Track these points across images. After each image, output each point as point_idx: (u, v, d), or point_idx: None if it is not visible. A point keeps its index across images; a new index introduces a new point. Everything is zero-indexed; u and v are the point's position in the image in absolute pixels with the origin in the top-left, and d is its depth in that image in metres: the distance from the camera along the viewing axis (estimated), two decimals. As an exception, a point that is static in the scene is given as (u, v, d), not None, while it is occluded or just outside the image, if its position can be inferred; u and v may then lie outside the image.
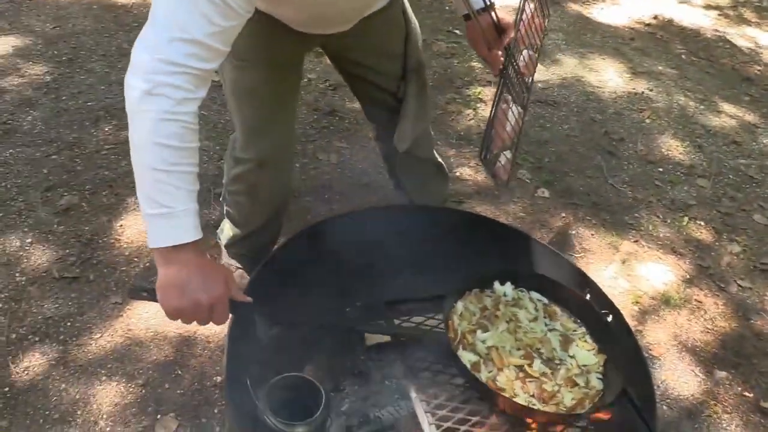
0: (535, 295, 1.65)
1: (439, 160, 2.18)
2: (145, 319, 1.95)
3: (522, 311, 1.58)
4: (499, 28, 1.61)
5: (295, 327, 1.93)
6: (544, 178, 2.78)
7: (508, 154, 1.72)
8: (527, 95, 1.77)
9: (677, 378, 2.08)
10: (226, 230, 2.05)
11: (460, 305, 1.55)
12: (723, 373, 2.13)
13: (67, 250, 2.13)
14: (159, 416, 1.71)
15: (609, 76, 3.63)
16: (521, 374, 1.41)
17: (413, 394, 1.41)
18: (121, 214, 2.27)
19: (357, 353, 1.89)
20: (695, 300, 2.37)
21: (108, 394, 1.75)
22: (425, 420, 1.38)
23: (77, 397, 1.73)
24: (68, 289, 2.00)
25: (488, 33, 1.62)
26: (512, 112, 1.66)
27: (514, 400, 1.33)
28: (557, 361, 1.45)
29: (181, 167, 1.14)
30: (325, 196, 2.47)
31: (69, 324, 1.91)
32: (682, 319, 2.29)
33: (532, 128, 3.05)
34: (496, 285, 1.65)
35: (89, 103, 2.75)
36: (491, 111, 1.57)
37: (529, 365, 1.42)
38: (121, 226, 2.23)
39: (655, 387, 1.83)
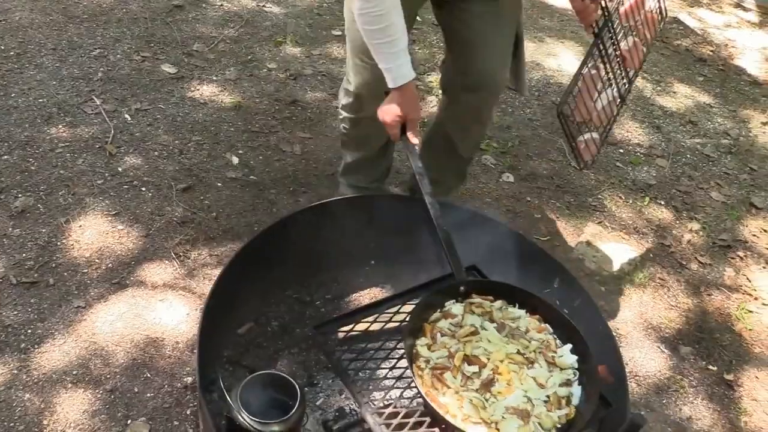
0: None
1: (472, 156, 2.34)
2: (110, 322, 1.89)
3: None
4: None
5: (266, 322, 1.91)
6: (508, 163, 2.80)
7: (594, 135, 1.74)
8: (628, 87, 1.77)
9: (644, 355, 2.13)
10: (344, 160, 2.27)
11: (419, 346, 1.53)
12: (687, 349, 2.18)
13: (24, 254, 2.05)
14: (129, 422, 1.67)
15: (568, 60, 3.66)
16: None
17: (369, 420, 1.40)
18: (80, 214, 2.20)
19: (330, 346, 1.87)
20: (658, 278, 2.43)
21: (75, 402, 1.70)
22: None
23: (42, 406, 1.67)
24: (27, 295, 1.93)
25: None
26: (606, 94, 1.69)
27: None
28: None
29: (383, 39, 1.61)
30: (291, 189, 2.44)
31: (29, 331, 1.84)
32: (647, 298, 2.34)
33: (494, 113, 3.06)
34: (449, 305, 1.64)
35: (40, 100, 2.65)
36: (578, 69, 1.61)
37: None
38: (80, 226, 2.17)
39: (624, 365, 1.86)
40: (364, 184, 2.27)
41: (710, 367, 2.15)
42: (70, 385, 1.73)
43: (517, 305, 1.64)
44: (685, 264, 2.52)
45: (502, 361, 1.48)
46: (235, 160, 2.52)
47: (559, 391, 1.44)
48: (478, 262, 1.83)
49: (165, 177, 2.39)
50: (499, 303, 1.63)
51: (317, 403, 1.72)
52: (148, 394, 1.74)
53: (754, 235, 2.75)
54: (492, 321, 1.58)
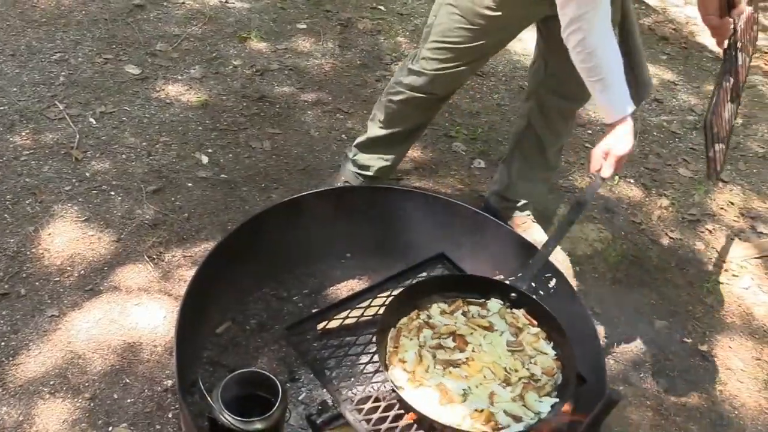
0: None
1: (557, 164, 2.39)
2: (85, 330, 1.87)
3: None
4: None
5: (244, 321, 1.90)
6: (478, 149, 2.81)
7: (722, 145, 1.80)
8: (738, 99, 1.86)
9: (620, 332, 2.17)
10: (363, 135, 2.26)
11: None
12: (662, 323, 2.23)
13: (-7, 265, 2.01)
14: (111, 429, 1.65)
15: (534, 44, 3.68)
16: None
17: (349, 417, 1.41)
18: (48, 222, 2.17)
19: (309, 341, 1.87)
20: (631, 255, 2.47)
21: (54, 413, 1.67)
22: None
23: (21, 419, 1.65)
24: (-2, 307, 1.90)
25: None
26: (729, 106, 1.78)
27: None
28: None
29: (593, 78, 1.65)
30: (262, 185, 2.42)
31: (3, 344, 1.81)
32: (620, 275, 2.38)
33: (463, 100, 3.07)
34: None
35: (1, 108, 2.59)
36: (716, 82, 1.72)
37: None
38: (50, 234, 2.13)
39: (601, 342, 1.90)
40: (374, 171, 2.25)
41: (685, 339, 2.19)
42: (48, 395, 1.71)
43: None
44: (657, 240, 2.57)
45: (482, 365, 1.48)
46: (205, 159, 2.49)
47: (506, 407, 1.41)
48: (452, 249, 1.84)
49: (134, 180, 2.36)
50: (536, 330, 1.59)
51: (300, 398, 1.73)
52: (129, 400, 1.73)
53: (722, 208, 2.81)
54: (514, 335, 1.56)
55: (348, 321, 1.67)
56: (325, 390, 1.74)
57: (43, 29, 3.03)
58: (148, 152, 2.48)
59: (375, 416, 1.41)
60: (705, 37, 4.22)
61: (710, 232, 2.67)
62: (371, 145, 2.25)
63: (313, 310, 1.81)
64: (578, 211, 1.78)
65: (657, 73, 3.67)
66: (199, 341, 1.78)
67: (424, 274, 1.76)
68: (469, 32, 1.87)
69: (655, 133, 3.18)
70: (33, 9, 3.17)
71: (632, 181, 2.84)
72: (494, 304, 1.63)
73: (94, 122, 2.57)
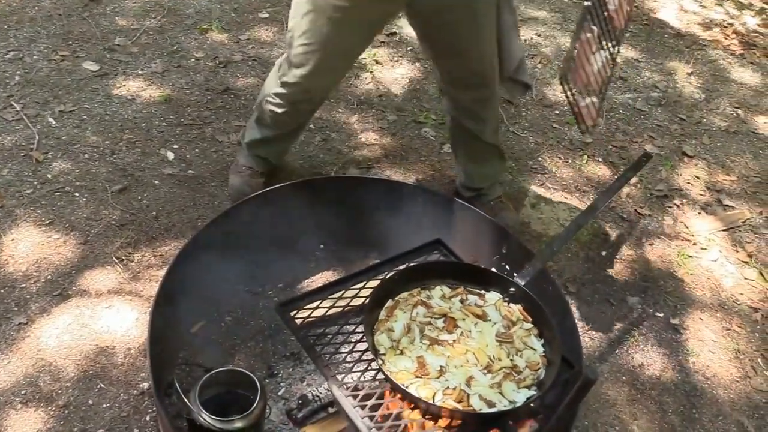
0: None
1: (499, 141, 2.35)
2: (56, 336, 1.83)
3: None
4: None
5: (218, 318, 1.88)
6: (447, 135, 2.80)
7: (594, 99, 1.73)
8: (617, 47, 1.75)
9: (594, 309, 2.19)
10: (250, 133, 2.25)
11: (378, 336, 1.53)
12: (635, 299, 2.26)
13: (-45, 274, 1.95)
14: (87, 435, 1.63)
15: (498, 26, 3.68)
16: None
17: (337, 392, 1.40)
18: (11, 227, 2.11)
19: (285, 335, 1.86)
20: (602, 233, 2.50)
21: (27, 423, 1.63)
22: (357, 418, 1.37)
23: (-8, 430, 1.61)
24: (-37, 317, 1.84)
25: None
26: (599, 56, 1.67)
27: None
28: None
29: None
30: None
31: (-31, 354, 1.76)
32: (593, 253, 2.41)
33: (430, 85, 3.06)
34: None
35: (-46, 110, 2.50)
36: (575, 33, 1.62)
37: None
38: (13, 240, 2.07)
39: (576, 321, 1.92)
40: (270, 156, 2.28)
41: (657, 314, 2.23)
42: (19, 405, 1.67)
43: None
44: (626, 217, 2.60)
45: (467, 350, 1.48)
46: (171, 155, 2.44)
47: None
48: (427, 237, 1.83)
49: (98, 180, 2.30)
50: (529, 326, 1.57)
51: (279, 393, 1.71)
52: (104, 405, 1.69)
53: (689, 183, 2.86)
54: (506, 327, 1.55)
55: (342, 302, 1.63)
56: (305, 383, 1.74)
57: (-6, 30, 2.93)
58: (111, 151, 2.42)
59: (361, 393, 1.40)
60: (665, 13, 4.27)
61: (678, 206, 2.72)
62: (257, 145, 2.25)
63: (309, 289, 1.77)
64: (589, 215, 1.79)
65: (621, 51, 3.70)
66: (174, 342, 1.75)
67: (421, 258, 1.74)
68: (330, 28, 1.81)
69: (621, 111, 3.21)
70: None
71: (600, 159, 2.87)
72: (493, 295, 1.63)
73: (54, 122, 2.50)
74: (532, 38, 3.61)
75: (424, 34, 2.01)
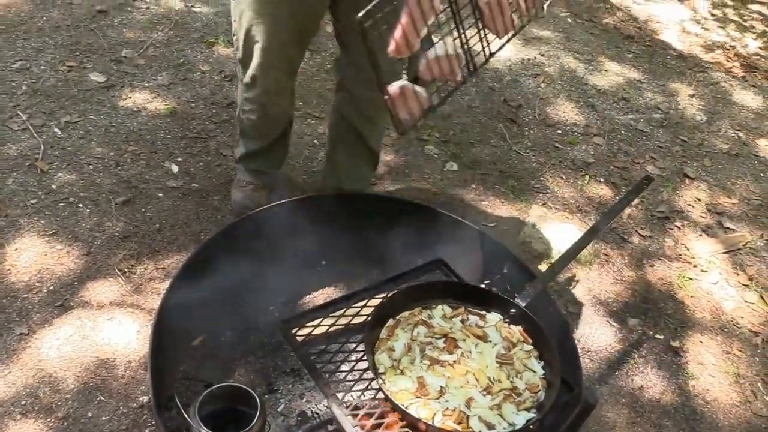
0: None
1: (379, 150, 2.34)
2: (57, 347, 1.83)
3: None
4: None
5: (219, 333, 1.88)
6: (451, 152, 2.82)
7: (418, 88, 1.32)
8: (487, 57, 1.39)
9: (594, 331, 2.19)
10: (240, 148, 2.27)
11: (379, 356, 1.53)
12: (635, 320, 2.26)
13: (-42, 283, 1.96)
14: (85, 447, 1.62)
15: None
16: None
17: (337, 410, 1.40)
18: (14, 237, 2.11)
19: (286, 351, 1.86)
20: (603, 254, 2.50)
21: (25, 433, 1.63)
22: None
23: (-10, 441, 1.61)
24: (-36, 326, 1.84)
25: None
26: (446, 45, 1.29)
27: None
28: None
29: None
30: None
31: (-30, 363, 1.76)
32: (593, 274, 2.41)
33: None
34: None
35: (-39, 119, 2.52)
36: None
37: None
38: (16, 250, 2.07)
39: (576, 342, 1.92)
40: (265, 168, 2.28)
41: (657, 336, 2.23)
42: (19, 416, 1.67)
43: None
44: (627, 238, 2.61)
45: (467, 370, 1.48)
46: (175, 168, 2.45)
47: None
48: (428, 256, 1.84)
49: (102, 191, 2.31)
50: (529, 347, 1.57)
51: (279, 410, 1.71)
52: (103, 418, 1.69)
53: (690, 205, 2.87)
54: (506, 349, 1.56)
55: (344, 320, 1.64)
56: (305, 399, 1.74)
57: (3, 37, 2.95)
58: (116, 162, 2.43)
59: (362, 412, 1.40)
60: (668, 35, 4.31)
61: (679, 228, 2.73)
62: (253, 158, 2.25)
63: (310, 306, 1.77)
64: (590, 237, 1.78)
65: (623, 72, 3.73)
66: (175, 355, 1.75)
67: (423, 278, 1.75)
68: (269, 18, 1.83)
69: (623, 132, 3.23)
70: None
71: (602, 180, 2.88)
72: (493, 316, 1.64)
73: (59, 132, 2.52)
74: (535, 58, 3.64)
75: (340, 17, 2.00)
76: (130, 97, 2.74)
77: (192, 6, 3.39)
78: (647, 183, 1.94)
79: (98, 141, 2.51)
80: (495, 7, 1.32)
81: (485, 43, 1.36)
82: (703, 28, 4.55)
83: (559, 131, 3.12)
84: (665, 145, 3.21)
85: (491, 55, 1.39)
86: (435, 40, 1.30)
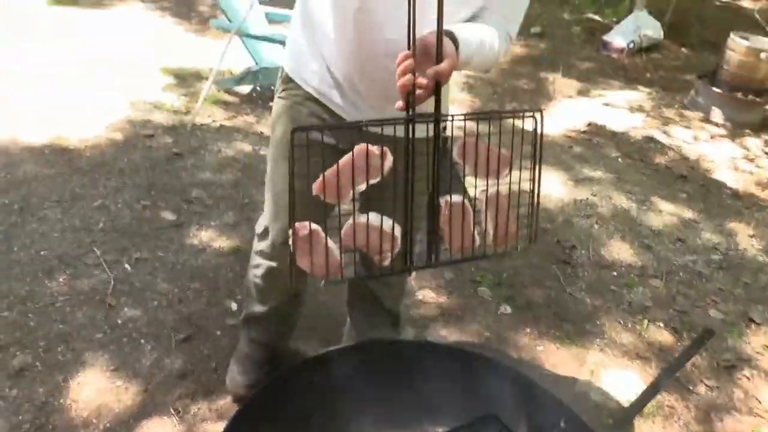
0: None
1: (400, 310, 2.24)
2: (107, 489, 1.83)
3: None
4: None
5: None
6: (504, 294, 2.82)
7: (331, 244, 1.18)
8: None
9: (661, 493, 2.05)
10: (245, 310, 2.11)
11: None
12: (705, 483, 2.11)
13: (21, 417, 2.01)
14: None
15: (554, 186, 3.80)
16: None
17: None
18: (78, 371, 2.19)
19: None
20: (667, 406, 2.39)
21: None
22: None
23: None
24: (22, 462, 1.88)
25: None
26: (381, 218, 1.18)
27: None
28: None
29: None
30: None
31: (23, 504, 1.77)
32: (657, 428, 2.29)
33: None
34: None
35: (42, 253, 2.70)
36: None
37: None
38: (78, 384, 2.14)
39: None
40: (267, 340, 2.09)
41: (731, 502, 2.07)
42: None
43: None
44: (692, 388, 2.49)
45: None
46: (234, 306, 2.54)
47: None
48: (482, 408, 1.80)
49: (164, 327, 2.39)
50: None
51: None
52: None
53: (758, 353, 2.74)
54: None
55: None
56: None
57: (88, 177, 3.22)
58: (179, 299, 2.53)
59: None
60: (721, 173, 4.32)
61: (748, 378, 2.59)
62: (256, 323, 2.09)
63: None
64: (650, 395, 1.72)
65: (677, 212, 3.73)
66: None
67: None
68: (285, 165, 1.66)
69: (681, 274, 3.17)
70: (79, 157, 3.39)
71: (661, 324, 2.80)
72: None
73: (129, 268, 2.66)
74: (587, 198, 3.69)
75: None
76: (196, 235, 2.90)
77: (259, 149, 3.64)
78: (709, 336, 1.89)
79: (164, 277, 2.63)
80: (456, 215, 1.18)
81: (433, 246, 1.18)
82: (756, 165, 4.55)
83: (615, 273, 3.09)
84: (727, 287, 3.13)
85: (434, 263, 1.18)
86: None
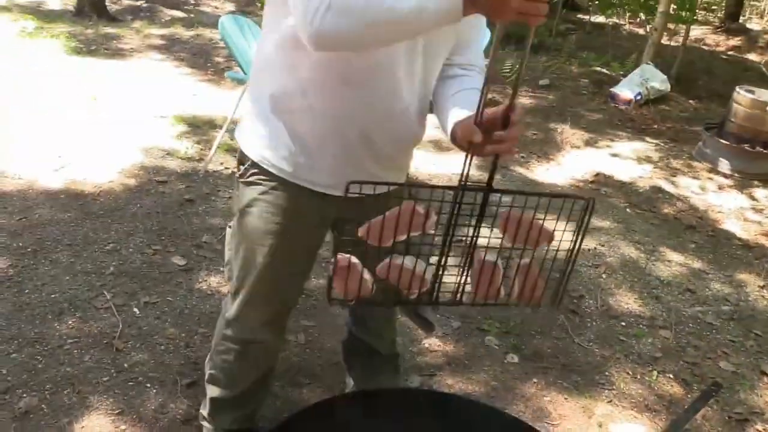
0: None
1: (397, 351, 2.25)
2: None
3: None
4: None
5: None
6: (511, 343, 2.81)
7: (366, 276, 1.33)
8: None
9: None
10: (208, 399, 1.98)
11: None
12: None
13: (24, 461, 2.01)
14: None
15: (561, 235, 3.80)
16: None
17: None
18: (83, 414, 2.18)
19: None
20: (677, 461, 2.34)
21: None
22: None
23: None
24: None
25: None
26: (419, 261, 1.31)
27: None
28: None
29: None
30: (295, 380, 2.43)
31: None
32: (668, 484, 2.24)
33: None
34: None
35: (53, 295, 2.73)
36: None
37: None
38: (83, 428, 2.14)
39: None
40: (236, 426, 1.97)
41: None
42: None
43: None
44: (703, 443, 2.45)
45: None
46: (241, 351, 2.54)
47: None
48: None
49: (170, 372, 2.39)
50: None
51: None
52: None
53: (771, 407, 2.69)
54: None
55: None
56: None
57: (100, 221, 3.27)
58: (186, 343, 2.54)
59: None
60: (731, 224, 4.32)
61: (760, 433, 2.54)
62: (219, 410, 1.97)
63: None
64: None
65: (687, 262, 3.72)
66: None
67: None
68: (265, 257, 1.65)
69: (690, 325, 3.15)
70: (93, 202, 3.45)
71: (671, 375, 2.77)
72: None
73: (138, 312, 2.68)
74: (595, 248, 3.70)
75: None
76: (205, 280, 2.92)
77: (269, 195, 3.69)
78: (716, 391, 1.87)
79: (172, 322, 2.65)
80: (487, 270, 1.33)
81: (460, 288, 1.34)
82: (765, 216, 4.55)
83: (623, 323, 3.07)
84: (738, 339, 3.10)
85: (458, 302, 1.35)
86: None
